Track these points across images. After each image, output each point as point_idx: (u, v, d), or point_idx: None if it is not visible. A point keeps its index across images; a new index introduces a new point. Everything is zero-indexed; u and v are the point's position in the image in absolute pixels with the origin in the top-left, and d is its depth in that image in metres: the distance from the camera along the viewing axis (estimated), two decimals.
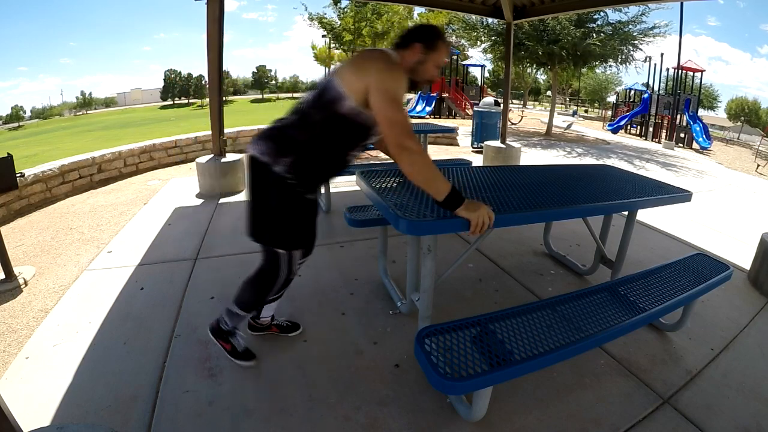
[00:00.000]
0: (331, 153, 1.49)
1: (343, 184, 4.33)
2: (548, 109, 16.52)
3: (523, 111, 19.25)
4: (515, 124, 14.64)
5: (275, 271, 1.57)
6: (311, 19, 12.39)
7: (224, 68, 4.50)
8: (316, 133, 1.42)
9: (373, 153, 6.27)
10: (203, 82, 55.98)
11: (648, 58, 15.96)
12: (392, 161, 1.64)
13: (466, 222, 1.42)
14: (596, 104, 35.76)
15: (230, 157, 4.44)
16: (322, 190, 3.44)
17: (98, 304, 2.22)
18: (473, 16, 10.94)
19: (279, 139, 1.43)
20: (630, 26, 10.53)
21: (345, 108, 1.37)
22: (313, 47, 17.72)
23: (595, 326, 1.50)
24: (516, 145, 6.15)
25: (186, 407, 1.54)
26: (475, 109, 8.40)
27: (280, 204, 1.45)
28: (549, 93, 32.15)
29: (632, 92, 18.60)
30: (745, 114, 37.67)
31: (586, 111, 32.41)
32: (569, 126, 14.39)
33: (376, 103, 1.32)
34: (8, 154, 2.75)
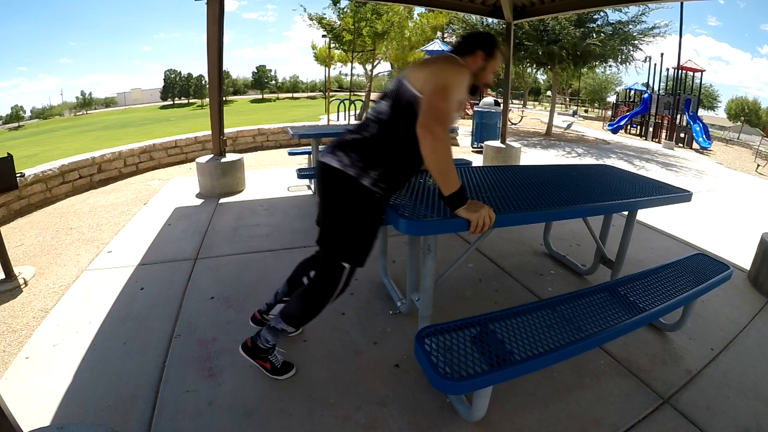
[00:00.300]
0: (416, 160, 1.45)
1: None
2: (548, 109, 16.51)
3: (523, 111, 19.24)
4: (515, 124, 14.64)
5: (334, 285, 1.50)
6: (311, 20, 12.38)
7: (224, 68, 4.50)
8: (401, 140, 1.41)
9: None
10: (203, 82, 56.01)
11: (648, 58, 15.97)
12: None
13: (466, 222, 1.41)
14: (596, 104, 35.74)
15: (230, 157, 4.43)
16: None
17: (98, 304, 2.22)
18: (473, 16, 10.93)
19: (366, 151, 1.42)
20: (630, 26, 10.53)
21: None
22: (313, 47, 17.70)
23: (595, 326, 1.50)
24: (516, 145, 6.15)
25: (186, 407, 1.54)
26: (475, 109, 8.39)
27: (361, 217, 1.43)
28: (549, 93, 32.17)
29: (632, 92, 18.59)
30: (745, 114, 37.66)
31: (586, 111, 32.39)
32: (569, 126, 14.39)
33: (428, 85, 1.32)
34: (8, 154, 2.75)
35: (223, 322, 2.06)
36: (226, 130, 5.05)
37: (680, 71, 14.67)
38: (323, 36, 12.23)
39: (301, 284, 1.79)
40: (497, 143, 6.16)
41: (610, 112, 20.61)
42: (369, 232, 1.48)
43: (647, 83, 17.24)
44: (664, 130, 13.41)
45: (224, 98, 4.75)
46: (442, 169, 1.34)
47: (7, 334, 2.02)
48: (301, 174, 3.61)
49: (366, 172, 1.39)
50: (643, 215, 3.96)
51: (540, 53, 10.88)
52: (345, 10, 11.90)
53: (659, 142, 12.75)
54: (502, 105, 6.75)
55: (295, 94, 66.18)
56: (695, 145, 12.59)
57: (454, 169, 1.36)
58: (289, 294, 1.81)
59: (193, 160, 5.24)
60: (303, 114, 22.55)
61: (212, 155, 4.43)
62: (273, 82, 68.13)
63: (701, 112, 18.73)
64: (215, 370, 1.73)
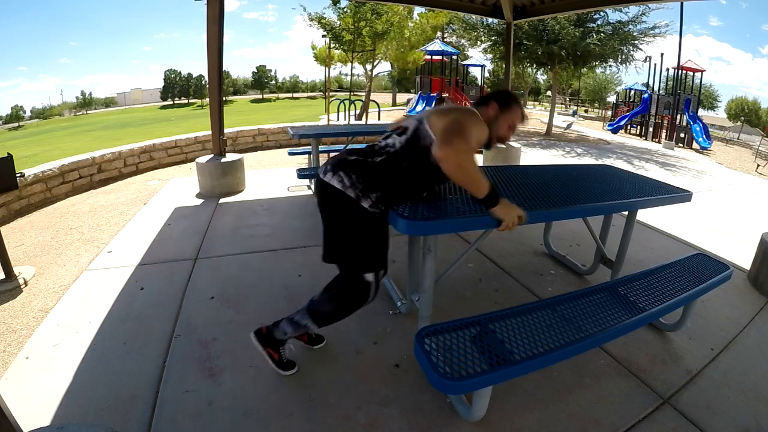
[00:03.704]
0: (416, 192, 1.60)
1: None
2: (548, 109, 16.51)
3: None
4: None
5: (365, 295, 1.52)
6: (311, 20, 12.37)
7: (224, 68, 4.50)
8: (406, 176, 1.47)
9: None
10: (203, 82, 56.00)
11: (648, 58, 15.94)
12: None
13: (465, 222, 1.42)
14: (596, 104, 35.73)
15: (230, 156, 4.43)
16: None
17: (98, 304, 2.22)
18: (473, 16, 10.94)
19: (367, 174, 1.45)
20: (630, 26, 10.53)
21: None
22: (313, 47, 17.68)
23: (595, 326, 1.50)
24: (516, 145, 6.14)
25: (186, 407, 1.54)
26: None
27: (369, 233, 1.47)
28: (549, 93, 32.15)
29: (632, 92, 18.59)
30: (745, 114, 37.64)
31: (586, 111, 32.38)
32: (569, 126, 14.38)
33: (445, 123, 1.41)
34: (8, 154, 2.75)
35: (223, 322, 2.06)
36: (226, 130, 5.05)
37: (680, 71, 14.66)
38: (323, 36, 12.23)
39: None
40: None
41: (610, 112, 20.60)
42: (378, 244, 1.51)
43: (647, 83, 17.23)
44: (664, 130, 13.41)
45: (224, 98, 4.76)
46: (471, 180, 1.40)
47: (7, 334, 2.02)
48: (301, 174, 3.60)
49: (366, 194, 1.42)
50: (643, 215, 3.95)
51: (540, 53, 10.88)
52: (345, 10, 11.89)
53: (659, 142, 12.75)
54: None
55: (295, 94, 66.17)
56: (695, 145, 12.59)
57: (482, 175, 1.41)
58: None
59: (193, 160, 5.24)
60: (303, 114, 22.55)
61: (212, 155, 4.43)
62: (273, 82, 68.10)
63: (701, 112, 18.74)
64: (215, 370, 1.73)
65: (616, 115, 17.76)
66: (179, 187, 4.63)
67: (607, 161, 8.24)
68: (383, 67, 31.72)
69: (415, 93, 18.65)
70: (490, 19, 10.31)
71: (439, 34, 23.63)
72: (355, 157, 1.48)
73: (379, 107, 13.28)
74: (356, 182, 1.42)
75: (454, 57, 18.33)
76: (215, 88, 4.26)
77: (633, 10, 10.32)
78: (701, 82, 15.79)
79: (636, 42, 10.61)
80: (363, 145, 1.79)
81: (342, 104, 11.15)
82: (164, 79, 62.14)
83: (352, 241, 1.48)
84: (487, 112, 1.58)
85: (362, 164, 1.46)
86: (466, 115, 1.46)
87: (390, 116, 14.69)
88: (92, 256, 2.88)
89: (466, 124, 1.41)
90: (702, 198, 5.40)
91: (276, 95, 64.68)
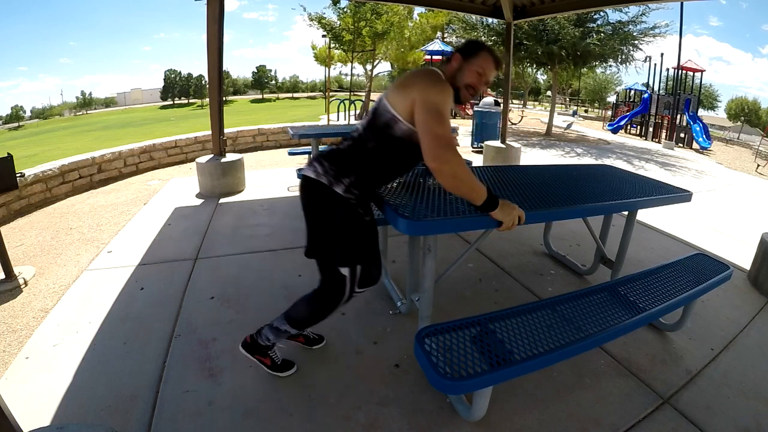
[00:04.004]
0: (388, 173, 1.54)
1: None
2: (548, 109, 16.51)
3: (523, 111, 19.23)
4: (515, 124, 14.63)
5: (340, 292, 1.51)
6: (311, 20, 12.37)
7: (224, 68, 4.50)
8: (373, 156, 1.44)
9: None
10: (203, 82, 55.99)
11: (648, 58, 15.94)
12: None
13: (465, 222, 1.41)
14: (596, 104, 35.72)
15: (230, 156, 4.43)
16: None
17: (98, 304, 2.22)
18: (473, 16, 10.93)
19: (338, 160, 1.45)
20: (630, 26, 10.52)
21: (399, 131, 1.39)
22: (313, 47, 17.68)
23: (595, 326, 1.50)
24: (516, 145, 6.14)
25: (186, 407, 1.54)
26: (475, 109, 8.39)
27: (343, 222, 1.44)
28: (549, 93, 32.16)
29: (632, 92, 18.58)
30: (745, 114, 37.64)
31: (586, 111, 32.38)
32: (569, 126, 14.38)
33: (419, 115, 1.32)
34: (8, 154, 2.75)
35: (223, 322, 2.06)
36: (226, 130, 5.05)
37: (680, 71, 14.67)
38: (323, 36, 12.22)
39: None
40: (497, 143, 6.16)
41: (610, 112, 20.60)
42: (354, 235, 1.47)
43: (647, 83, 17.24)
44: (664, 130, 13.41)
45: (224, 98, 4.75)
46: (468, 189, 1.38)
47: (7, 334, 2.02)
48: (301, 174, 3.60)
49: (338, 180, 1.41)
50: (643, 215, 3.95)
51: (540, 53, 10.88)
52: (345, 10, 11.88)
53: (659, 142, 12.75)
54: (502, 105, 6.74)
55: (295, 94, 66.09)
56: (695, 145, 12.58)
57: (477, 182, 1.39)
58: None
59: (193, 160, 5.23)
60: (303, 114, 22.53)
61: (212, 155, 4.42)
62: (273, 82, 68.08)
63: (701, 112, 18.74)
64: (215, 370, 1.73)
65: (616, 115, 17.76)
66: (179, 187, 4.63)
67: (607, 161, 8.24)
68: (383, 67, 31.72)
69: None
70: (490, 19, 10.30)
71: (439, 34, 23.62)
72: (328, 148, 1.50)
73: None
74: (328, 169, 1.42)
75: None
76: (215, 88, 4.26)
77: (633, 10, 10.32)
78: (701, 82, 15.80)
79: (636, 42, 10.60)
80: None
81: (342, 104, 11.15)
82: (164, 79, 62.15)
83: (326, 231, 1.47)
84: (451, 66, 1.50)
85: (333, 152, 1.48)
86: (432, 93, 1.35)
87: None
88: (92, 256, 2.88)
89: (440, 110, 1.32)
90: (702, 198, 5.40)
91: (276, 95, 64.63)
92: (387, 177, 1.57)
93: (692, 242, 3.51)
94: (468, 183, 1.36)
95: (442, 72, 1.49)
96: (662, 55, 15.95)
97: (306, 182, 1.47)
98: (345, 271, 1.47)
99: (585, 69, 13.72)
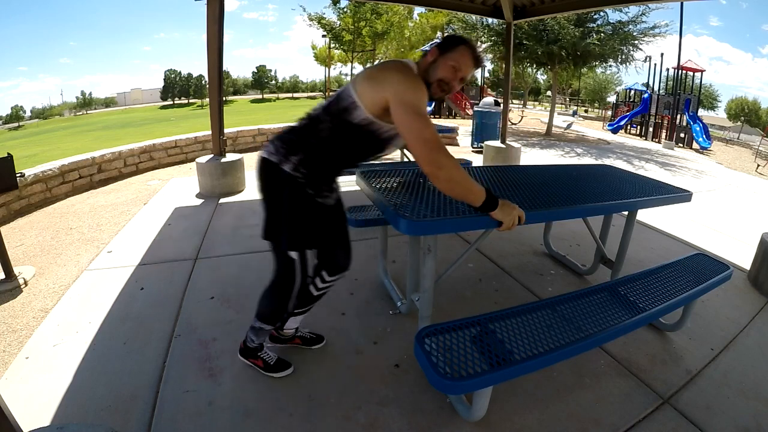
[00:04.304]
0: (341, 158, 1.46)
1: (344, 184, 4.31)
2: (548, 109, 16.52)
3: (523, 111, 19.24)
4: (515, 124, 14.64)
5: (291, 277, 1.49)
6: (311, 20, 12.39)
7: (224, 68, 4.50)
8: (324, 138, 1.39)
9: None
10: (203, 82, 55.98)
11: (648, 58, 15.97)
12: (393, 161, 1.63)
13: (465, 222, 1.41)
14: (596, 104, 35.73)
15: (230, 156, 4.44)
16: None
17: (98, 304, 2.22)
18: (473, 16, 10.93)
19: (289, 139, 1.42)
20: (630, 26, 10.53)
21: (357, 118, 1.35)
22: (313, 47, 17.74)
23: (595, 326, 1.50)
24: (516, 145, 6.14)
25: (186, 407, 1.54)
26: (475, 109, 8.40)
27: (290, 202, 1.40)
28: (549, 93, 32.14)
29: (632, 92, 18.59)
30: (745, 114, 37.65)
31: (586, 111, 32.39)
32: (569, 126, 14.39)
33: (399, 117, 1.27)
34: (8, 154, 2.75)
35: (223, 322, 2.06)
36: (226, 130, 5.05)
37: (680, 71, 14.68)
38: (323, 36, 12.25)
39: (304, 292, 1.75)
40: (497, 143, 6.16)
41: (610, 112, 20.60)
42: (303, 217, 1.42)
43: (647, 83, 17.26)
44: (664, 130, 13.42)
45: (224, 98, 4.75)
46: (465, 191, 1.36)
47: (7, 334, 2.02)
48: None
49: (287, 158, 1.37)
50: (643, 215, 3.95)
51: (540, 53, 10.89)
52: (345, 10, 11.90)
53: (659, 142, 12.75)
54: (502, 105, 6.75)
55: (295, 94, 66.10)
56: (695, 145, 12.59)
57: (474, 183, 1.36)
58: (297, 304, 1.79)
59: (193, 160, 5.23)
60: (303, 114, 22.51)
61: (212, 155, 4.43)
62: (273, 82, 68.10)
63: (701, 112, 18.73)
64: (215, 370, 1.73)
65: (616, 115, 17.76)
66: (179, 187, 4.63)
67: (607, 161, 8.24)
68: None
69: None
70: (490, 19, 10.30)
71: (439, 34, 23.64)
72: (286, 129, 1.46)
73: None
74: (280, 148, 1.40)
75: None
76: (215, 88, 4.26)
77: (633, 10, 10.34)
78: (701, 82, 15.81)
79: (636, 42, 10.61)
80: None
81: None
82: (164, 79, 62.14)
83: (275, 212, 1.44)
84: (426, 59, 1.43)
85: (287, 131, 1.44)
86: (408, 89, 1.28)
87: None
88: (92, 256, 2.88)
89: (420, 108, 1.27)
90: (702, 198, 5.40)
91: (276, 95, 64.64)
92: (337, 163, 1.47)
93: (692, 242, 3.51)
94: (465, 185, 1.34)
95: (417, 65, 1.43)
96: (662, 55, 15.98)
97: (259, 162, 1.44)
98: (294, 254, 1.45)
99: (585, 69, 13.72)
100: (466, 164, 3.73)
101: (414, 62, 1.46)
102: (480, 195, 1.36)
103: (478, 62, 1.44)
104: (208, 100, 4.56)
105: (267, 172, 1.42)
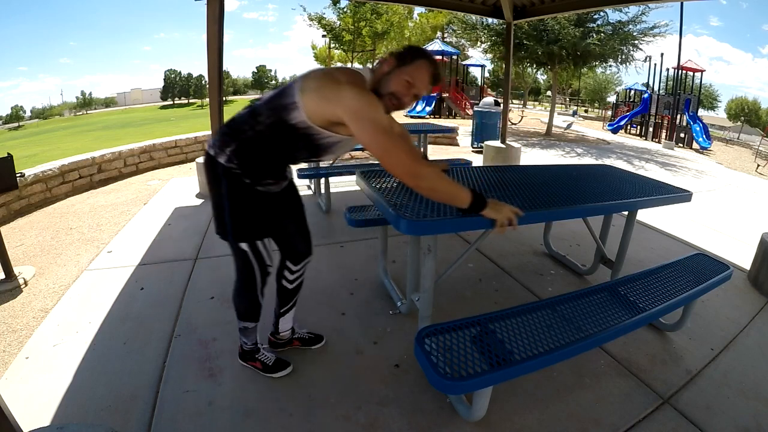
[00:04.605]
0: (273, 154, 1.41)
1: (343, 184, 4.34)
2: (548, 109, 16.52)
3: (523, 111, 19.25)
4: (515, 124, 14.64)
5: (250, 269, 1.50)
6: (311, 20, 12.40)
7: (224, 68, 4.50)
8: (260, 131, 1.35)
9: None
10: (203, 82, 55.99)
11: (648, 58, 15.95)
12: None
13: (465, 222, 1.41)
14: (596, 104, 35.74)
15: None
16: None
17: (98, 304, 2.22)
18: (473, 16, 10.93)
19: (225, 131, 1.41)
20: (630, 26, 10.53)
21: (295, 119, 1.30)
22: (313, 47, 17.75)
23: (595, 326, 1.50)
24: (516, 145, 6.14)
25: (186, 407, 1.54)
26: (475, 109, 8.40)
27: (229, 194, 1.40)
28: (549, 93, 32.14)
29: (632, 92, 18.60)
30: (745, 114, 37.66)
31: (586, 111, 32.40)
32: (569, 126, 14.39)
33: (361, 134, 1.22)
34: (8, 154, 2.75)
35: (223, 322, 2.06)
36: None
37: (680, 71, 14.68)
38: (323, 36, 12.25)
39: (280, 289, 1.75)
40: (497, 143, 6.16)
41: (610, 112, 20.61)
42: (244, 208, 1.42)
43: (647, 83, 17.25)
44: (664, 130, 13.42)
45: (224, 98, 4.75)
46: (450, 196, 1.35)
47: (7, 334, 2.02)
48: (301, 174, 3.60)
49: (222, 149, 1.37)
50: (643, 215, 3.95)
51: (540, 53, 10.89)
52: (345, 10, 11.90)
53: (659, 142, 12.75)
54: (502, 105, 6.75)
55: None
56: (695, 145, 12.59)
57: (457, 185, 1.35)
58: (280, 303, 1.79)
59: (193, 160, 5.24)
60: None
61: None
62: (273, 82, 68.16)
63: (701, 112, 18.74)
64: (215, 370, 1.73)
65: (616, 115, 17.77)
66: (179, 187, 4.63)
67: (607, 161, 8.24)
68: None
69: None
70: (490, 19, 10.30)
71: (439, 34, 23.64)
72: (227, 121, 1.45)
73: None
74: (217, 140, 1.40)
75: (454, 57, 18.32)
76: (215, 88, 4.25)
77: (633, 10, 10.33)
78: (701, 82, 15.81)
79: (636, 42, 10.61)
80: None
81: None
82: (164, 79, 62.19)
83: (218, 206, 1.44)
84: (381, 69, 1.35)
85: (227, 122, 1.43)
86: (362, 105, 1.22)
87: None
88: (92, 256, 2.88)
89: (379, 124, 1.21)
90: (702, 198, 5.40)
91: None
92: (270, 158, 1.41)
93: (692, 242, 3.51)
94: (448, 191, 1.33)
95: (372, 72, 1.39)
96: (662, 55, 15.96)
97: (204, 156, 1.44)
98: (244, 246, 1.46)
99: (585, 69, 13.73)
100: (466, 164, 3.73)
101: (369, 69, 1.42)
102: (465, 198, 1.34)
103: (436, 80, 1.37)
104: (208, 100, 4.56)
105: (207, 165, 1.43)
